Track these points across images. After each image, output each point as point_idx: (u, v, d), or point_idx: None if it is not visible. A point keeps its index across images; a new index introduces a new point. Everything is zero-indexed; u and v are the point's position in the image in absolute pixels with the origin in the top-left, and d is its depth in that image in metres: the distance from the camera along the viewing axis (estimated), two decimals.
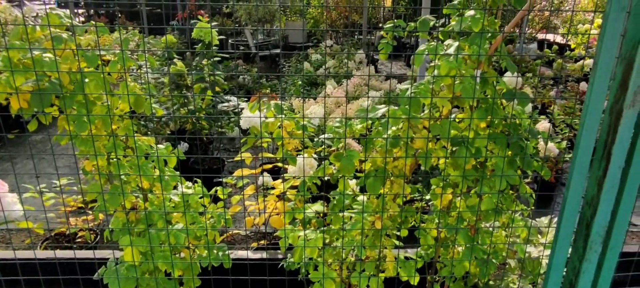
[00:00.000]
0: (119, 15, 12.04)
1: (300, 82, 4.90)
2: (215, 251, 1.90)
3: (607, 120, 1.35)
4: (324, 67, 5.78)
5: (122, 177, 1.70)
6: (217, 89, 4.27)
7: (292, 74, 6.03)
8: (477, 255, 1.68)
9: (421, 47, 1.46)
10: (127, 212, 1.77)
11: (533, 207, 1.80)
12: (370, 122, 1.47)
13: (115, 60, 1.52)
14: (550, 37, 10.52)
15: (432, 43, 1.46)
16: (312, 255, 1.68)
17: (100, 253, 2.43)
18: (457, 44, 1.43)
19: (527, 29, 10.16)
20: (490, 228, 1.75)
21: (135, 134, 1.69)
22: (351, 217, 1.59)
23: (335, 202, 1.64)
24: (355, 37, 9.67)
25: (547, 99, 5.75)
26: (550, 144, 3.90)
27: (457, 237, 1.61)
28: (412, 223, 1.81)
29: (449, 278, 1.83)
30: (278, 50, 8.84)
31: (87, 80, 1.49)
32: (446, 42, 1.51)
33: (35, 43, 1.53)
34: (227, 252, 1.93)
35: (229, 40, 9.75)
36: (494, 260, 1.79)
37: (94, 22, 1.47)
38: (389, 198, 1.55)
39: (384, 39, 1.63)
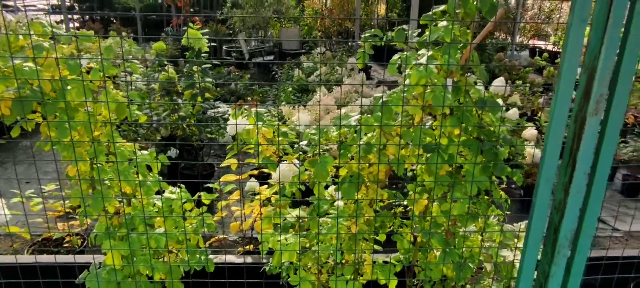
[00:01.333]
0: (114, 21, 12.09)
1: (290, 89, 4.94)
2: (198, 255, 1.93)
3: (572, 127, 1.40)
4: (315, 74, 5.83)
5: (105, 182, 1.73)
6: (207, 95, 4.31)
7: (283, 81, 6.08)
8: (453, 259, 1.72)
9: (394, 57, 1.51)
10: (110, 217, 1.81)
11: (508, 212, 1.84)
12: (346, 129, 1.51)
13: (97, 67, 1.56)
14: (542, 44, 10.63)
15: (406, 53, 1.51)
16: (291, 259, 1.71)
17: (86, 258, 2.45)
18: (429, 53, 1.48)
19: (518, 37, 10.28)
20: (466, 233, 1.79)
21: (118, 140, 1.72)
22: (329, 222, 1.63)
23: (313, 207, 1.68)
24: (348, 44, 9.75)
25: (536, 106, 5.82)
26: (536, 150, 3.96)
27: (431, 241, 1.65)
28: (390, 228, 1.85)
29: (427, 282, 1.87)
30: (271, 57, 8.90)
31: (69, 87, 1.52)
32: (420, 52, 1.55)
33: (22, 50, 1.57)
34: (210, 257, 1.96)
35: (224, 47, 9.80)
36: (470, 265, 1.82)
37: (75, 31, 1.50)
38: (365, 204, 1.59)
39: (361, 49, 1.68)
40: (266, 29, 9.95)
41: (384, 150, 1.44)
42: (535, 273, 1.58)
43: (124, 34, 9.89)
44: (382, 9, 12.23)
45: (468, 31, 1.57)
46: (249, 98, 5.19)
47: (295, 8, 10.98)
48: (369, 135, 1.49)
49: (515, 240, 1.99)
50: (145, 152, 1.89)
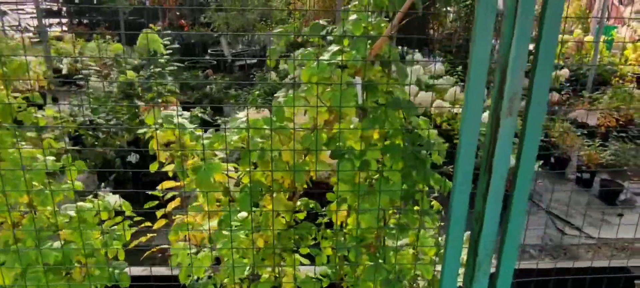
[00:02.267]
0: (106, 24, 11.97)
1: (257, 92, 4.81)
2: (110, 269, 1.78)
3: (488, 129, 1.26)
4: (289, 77, 5.68)
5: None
6: (170, 98, 4.18)
7: (257, 83, 5.95)
8: (381, 274, 1.57)
9: (296, 53, 1.37)
10: (9, 229, 1.67)
11: (439, 223, 1.69)
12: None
13: None
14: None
15: (309, 49, 1.37)
16: (199, 274, 1.57)
17: None
18: (335, 49, 1.34)
19: None
20: (396, 247, 1.65)
21: (9, 144, 1.58)
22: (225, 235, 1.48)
23: (221, 218, 1.54)
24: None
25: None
26: None
27: (349, 255, 1.51)
28: (313, 241, 1.71)
29: None
30: (255, 60, 8.77)
31: None
32: (329, 47, 1.42)
33: None
34: (125, 270, 1.82)
35: (209, 50, 9.67)
36: (405, 281, 1.68)
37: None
38: (270, 215, 1.45)
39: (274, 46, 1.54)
40: (252, 32, 9.82)
41: (279, 156, 1.30)
42: None
43: (108, 37, 9.78)
44: None
45: (382, 25, 1.43)
46: (232, 100, 5.04)
47: (282, 11, 10.86)
48: (270, 139, 1.35)
49: None
50: (51, 157, 1.76)
